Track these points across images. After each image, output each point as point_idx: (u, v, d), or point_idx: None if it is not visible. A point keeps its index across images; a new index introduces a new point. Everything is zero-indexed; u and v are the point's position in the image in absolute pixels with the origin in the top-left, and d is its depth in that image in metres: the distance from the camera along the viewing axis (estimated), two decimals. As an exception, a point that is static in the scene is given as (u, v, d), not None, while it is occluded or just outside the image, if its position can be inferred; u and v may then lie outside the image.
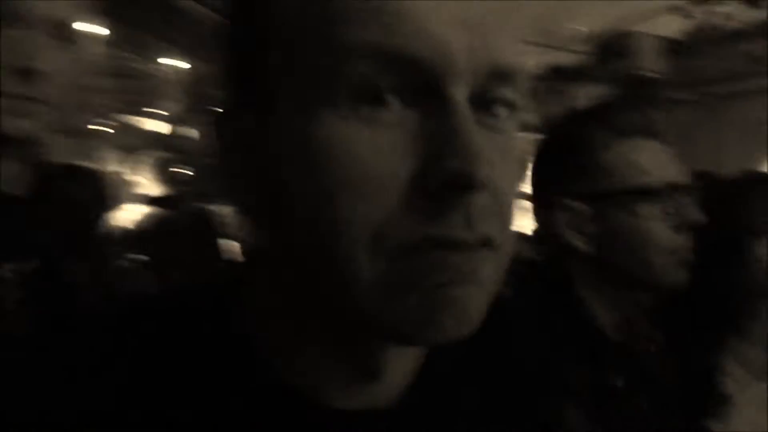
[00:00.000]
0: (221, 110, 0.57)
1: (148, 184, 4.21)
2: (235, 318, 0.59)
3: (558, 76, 8.41)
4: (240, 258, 0.65)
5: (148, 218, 3.72)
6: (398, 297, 0.48)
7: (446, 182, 0.46)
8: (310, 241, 0.50)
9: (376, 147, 0.47)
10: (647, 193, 1.18)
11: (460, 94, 0.48)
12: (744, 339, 1.61)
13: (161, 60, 8.63)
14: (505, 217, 0.53)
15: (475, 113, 0.49)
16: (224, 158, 0.56)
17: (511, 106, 0.53)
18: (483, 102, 0.51)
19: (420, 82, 0.48)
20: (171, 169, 4.67)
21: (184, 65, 8.57)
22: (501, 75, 0.50)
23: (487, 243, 0.50)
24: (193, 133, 9.61)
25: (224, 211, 4.70)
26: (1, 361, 0.58)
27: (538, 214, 1.32)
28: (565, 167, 1.24)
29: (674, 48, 6.27)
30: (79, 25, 0.98)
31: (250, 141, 0.54)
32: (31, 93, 0.95)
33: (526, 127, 0.63)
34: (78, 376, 0.55)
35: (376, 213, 0.47)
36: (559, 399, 1.09)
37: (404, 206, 0.47)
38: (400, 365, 0.60)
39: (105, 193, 2.79)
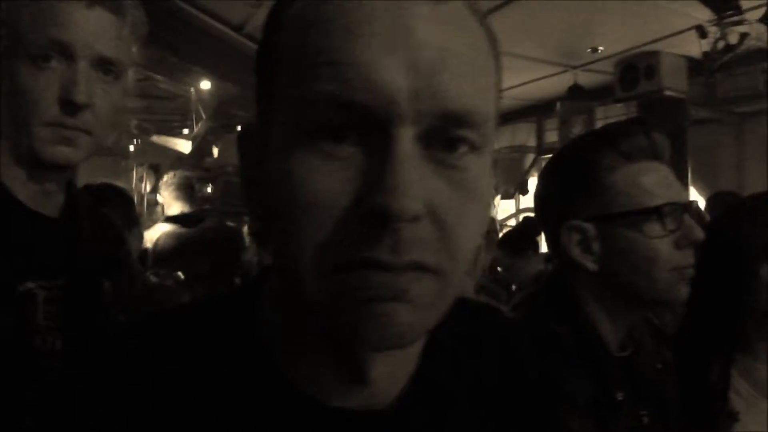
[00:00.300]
0: (243, 131, 0.64)
1: (173, 202, 4.25)
2: (250, 326, 0.67)
3: (580, 96, 8.42)
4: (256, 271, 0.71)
5: (174, 235, 3.75)
6: (336, 310, 0.55)
7: (371, 212, 0.52)
8: (283, 259, 0.59)
9: (328, 178, 0.54)
10: (651, 213, 1.22)
11: (404, 134, 0.54)
12: (751, 357, 1.62)
13: (186, 80, 8.72)
14: (451, 245, 0.57)
15: (426, 149, 0.55)
16: (243, 174, 0.65)
17: (470, 144, 0.58)
18: (439, 140, 0.56)
19: (369, 124, 0.54)
20: (195, 187, 4.71)
21: (208, 85, 8.66)
22: (453, 116, 0.55)
23: (418, 267, 0.55)
24: (216, 152, 9.70)
25: (246, 227, 4.76)
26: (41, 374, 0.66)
27: (547, 234, 1.35)
28: (573, 189, 1.28)
29: (696, 67, 6.25)
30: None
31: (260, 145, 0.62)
32: (74, 123, 0.99)
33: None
34: (112, 386, 0.63)
35: (320, 235, 0.54)
36: (563, 411, 1.12)
37: (342, 231, 0.54)
38: (386, 369, 0.65)
39: (134, 211, 2.84)
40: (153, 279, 2.60)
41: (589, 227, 1.25)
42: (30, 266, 1.15)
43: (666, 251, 1.22)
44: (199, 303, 0.74)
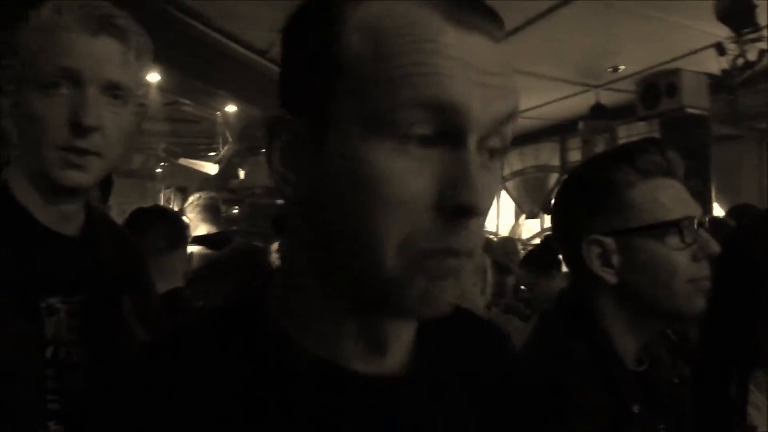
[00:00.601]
0: (277, 121, 0.71)
1: (200, 224, 4.31)
2: (266, 314, 0.74)
3: (603, 115, 8.41)
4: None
5: (203, 256, 3.80)
6: (411, 284, 0.65)
7: (457, 208, 0.63)
8: (351, 238, 0.66)
9: (410, 174, 0.63)
10: (671, 226, 1.26)
11: (472, 140, 0.65)
12: (769, 371, 1.64)
13: (212, 104, 8.82)
14: (483, 235, 0.71)
15: (478, 156, 0.66)
16: (279, 162, 0.71)
17: (498, 150, 0.69)
18: (483, 147, 0.67)
19: (447, 129, 0.64)
20: (221, 208, 4.78)
21: (233, 109, 8.76)
22: (497, 127, 0.67)
23: (471, 254, 0.67)
24: (242, 174, 9.78)
25: (271, 247, 4.82)
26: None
27: (564, 250, 1.39)
28: (593, 205, 1.31)
29: (717, 84, 6.23)
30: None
31: (302, 151, 0.69)
32: (84, 146, 1.02)
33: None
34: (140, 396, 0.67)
35: (406, 225, 0.64)
36: (577, 422, 1.15)
37: (426, 222, 0.64)
38: (399, 342, 0.76)
39: (181, 231, 2.85)
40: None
41: (609, 241, 1.28)
42: (51, 283, 1.20)
43: (684, 263, 1.26)
44: (215, 308, 0.80)
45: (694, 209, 1.29)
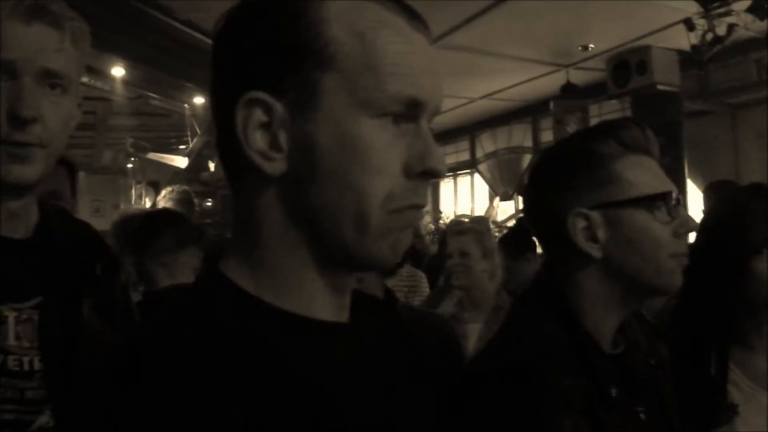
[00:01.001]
0: (254, 102, 0.77)
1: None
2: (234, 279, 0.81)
3: (574, 94, 8.44)
4: None
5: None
6: (387, 236, 0.80)
7: (428, 172, 0.80)
8: (339, 201, 0.77)
9: (388, 145, 0.78)
10: (658, 199, 1.26)
11: (426, 120, 0.82)
12: (748, 349, 1.63)
13: (179, 97, 8.75)
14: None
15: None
16: (260, 141, 0.78)
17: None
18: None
19: (412, 110, 0.79)
20: (194, 202, 4.73)
21: (201, 101, 8.69)
22: (436, 113, 0.85)
23: (424, 207, 0.85)
24: (213, 166, 9.73)
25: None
26: None
27: (546, 225, 1.36)
28: (578, 178, 1.29)
29: (687, 60, 6.26)
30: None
31: (282, 129, 0.77)
32: (25, 138, 0.97)
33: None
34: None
35: (386, 186, 0.77)
36: (553, 407, 1.12)
37: (401, 183, 0.79)
38: (348, 297, 0.88)
39: (188, 230, 2.90)
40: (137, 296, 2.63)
41: (595, 215, 1.26)
42: None
43: (667, 238, 1.26)
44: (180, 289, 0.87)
45: (672, 187, 1.29)
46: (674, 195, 1.28)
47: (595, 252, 1.26)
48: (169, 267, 2.70)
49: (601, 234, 1.26)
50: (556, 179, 1.33)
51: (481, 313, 3.18)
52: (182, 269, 2.73)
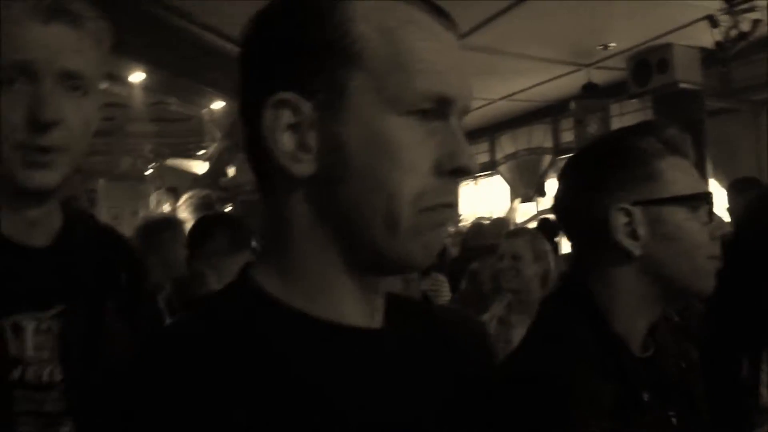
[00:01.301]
0: (282, 103, 0.77)
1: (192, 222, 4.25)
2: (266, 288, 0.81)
3: (595, 94, 8.38)
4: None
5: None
6: (419, 235, 0.78)
7: (458, 170, 0.79)
8: (370, 199, 0.76)
9: (418, 143, 0.77)
10: (701, 199, 1.26)
11: (456, 117, 0.81)
12: (781, 351, 1.60)
13: (198, 101, 8.78)
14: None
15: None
16: (288, 142, 0.78)
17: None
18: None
19: (441, 107, 0.79)
20: (215, 207, 4.73)
21: (220, 105, 8.70)
22: (466, 112, 0.83)
23: (458, 205, 0.83)
24: (232, 171, 9.74)
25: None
26: None
27: (582, 221, 1.33)
28: (619, 174, 1.28)
29: (710, 58, 6.20)
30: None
31: (311, 129, 0.77)
32: (46, 143, 0.95)
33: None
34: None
35: (416, 184, 0.77)
36: (584, 413, 1.10)
37: (432, 181, 0.78)
38: (381, 301, 0.87)
39: (243, 236, 2.88)
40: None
41: (637, 211, 1.25)
42: (17, 300, 1.13)
43: (705, 239, 1.25)
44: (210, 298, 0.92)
45: (709, 189, 1.30)
46: (712, 197, 1.28)
47: (635, 249, 1.25)
48: (219, 270, 2.61)
49: (642, 231, 1.25)
50: (597, 173, 1.31)
51: (529, 317, 3.14)
52: (232, 273, 2.65)
